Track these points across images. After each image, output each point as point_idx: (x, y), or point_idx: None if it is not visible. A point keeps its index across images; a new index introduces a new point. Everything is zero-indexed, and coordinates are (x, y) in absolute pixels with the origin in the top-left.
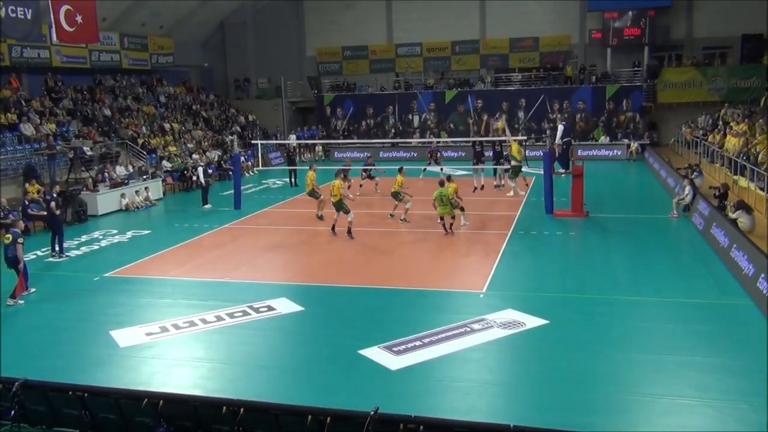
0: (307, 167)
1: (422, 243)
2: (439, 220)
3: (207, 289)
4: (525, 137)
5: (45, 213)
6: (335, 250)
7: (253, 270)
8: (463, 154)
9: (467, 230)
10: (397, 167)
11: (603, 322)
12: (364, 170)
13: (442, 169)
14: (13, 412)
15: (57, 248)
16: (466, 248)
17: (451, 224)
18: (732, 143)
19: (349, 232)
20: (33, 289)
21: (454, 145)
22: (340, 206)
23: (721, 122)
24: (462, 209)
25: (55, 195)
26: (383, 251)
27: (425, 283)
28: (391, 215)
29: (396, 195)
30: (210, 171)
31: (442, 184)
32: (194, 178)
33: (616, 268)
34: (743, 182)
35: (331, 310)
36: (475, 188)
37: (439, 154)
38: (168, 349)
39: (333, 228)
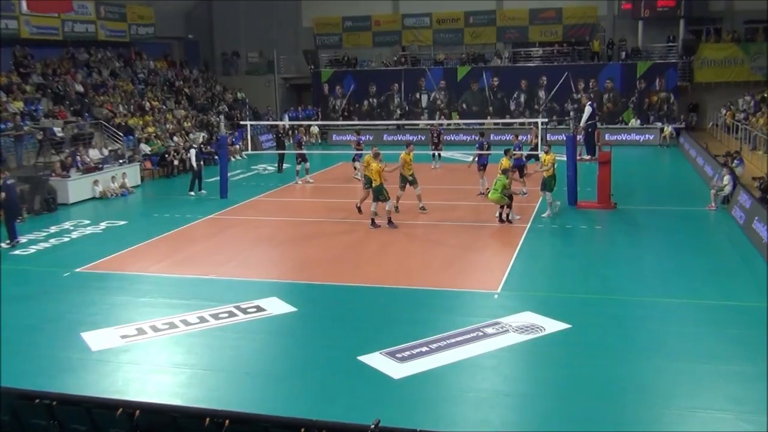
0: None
1: (429, 237)
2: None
3: (189, 287)
4: (546, 119)
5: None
6: (332, 244)
7: (240, 266)
8: (477, 138)
9: (480, 223)
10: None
11: (631, 326)
12: (358, 156)
13: (439, 154)
14: None
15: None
16: (479, 243)
17: (508, 214)
18: None
19: (390, 221)
20: None
21: (467, 128)
22: (380, 192)
23: (764, 104)
24: (510, 199)
25: (10, 182)
26: (386, 246)
27: (433, 282)
28: (422, 208)
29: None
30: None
31: (504, 172)
32: (175, 162)
33: (646, 267)
34: None
35: (327, 311)
36: (481, 193)
37: (440, 137)
38: (145, 353)
39: (373, 221)
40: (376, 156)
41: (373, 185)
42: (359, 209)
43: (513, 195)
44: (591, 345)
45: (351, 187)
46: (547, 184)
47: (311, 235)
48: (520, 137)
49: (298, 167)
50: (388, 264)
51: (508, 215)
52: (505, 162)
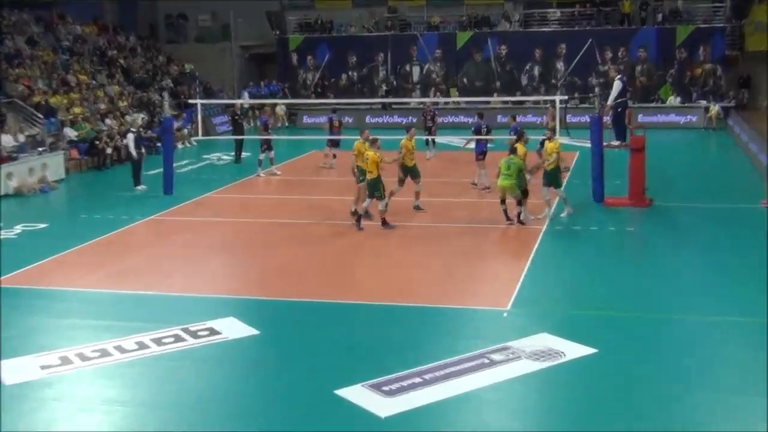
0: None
1: (424, 242)
2: (501, 206)
3: (126, 305)
4: (566, 97)
5: None
6: (305, 251)
7: (189, 279)
8: (474, 120)
9: (486, 224)
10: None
11: (671, 351)
12: (331, 141)
13: (434, 141)
14: None
15: None
16: (484, 249)
17: (520, 212)
18: None
19: (384, 222)
20: None
21: (468, 107)
22: (375, 188)
23: None
24: (524, 195)
25: None
26: (372, 253)
27: (428, 298)
28: (418, 207)
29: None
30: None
31: (513, 151)
32: (108, 150)
33: (688, 278)
34: None
35: (297, 334)
36: (474, 183)
37: (434, 119)
38: (72, 387)
39: (359, 221)
40: (373, 143)
41: (368, 178)
42: (355, 212)
43: (527, 189)
44: (622, 374)
45: (327, 180)
46: (553, 179)
47: (278, 241)
48: (518, 118)
49: (262, 156)
50: (374, 276)
51: (519, 214)
52: (519, 148)
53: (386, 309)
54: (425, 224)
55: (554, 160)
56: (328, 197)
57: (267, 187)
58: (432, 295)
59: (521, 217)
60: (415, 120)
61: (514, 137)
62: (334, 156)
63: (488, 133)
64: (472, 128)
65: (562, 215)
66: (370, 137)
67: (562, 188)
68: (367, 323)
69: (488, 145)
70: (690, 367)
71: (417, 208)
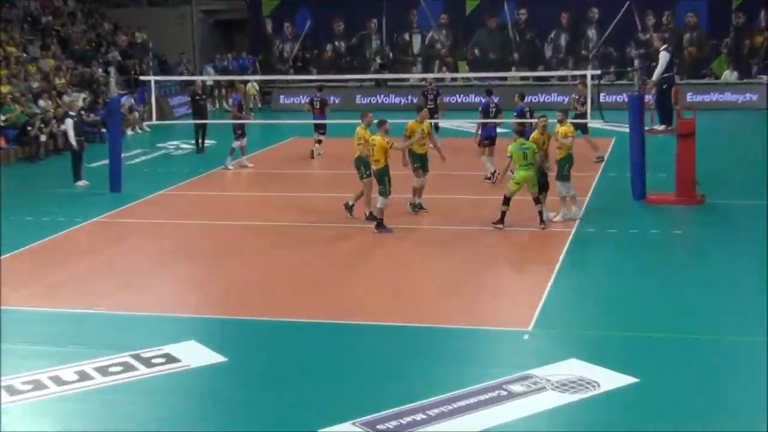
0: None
1: (427, 248)
2: (503, 206)
3: (64, 327)
4: (599, 72)
5: None
6: (282, 261)
7: (141, 295)
8: (482, 99)
9: (503, 227)
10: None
11: (729, 380)
12: (319, 129)
13: (437, 126)
14: None
15: None
16: (500, 257)
17: (541, 212)
18: None
19: (380, 224)
20: None
21: (480, 84)
22: (382, 180)
23: None
24: (544, 188)
25: None
26: (364, 262)
27: (433, 317)
28: (418, 207)
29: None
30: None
31: (521, 133)
32: (43, 138)
33: (746, 292)
34: None
35: (272, 361)
36: (488, 177)
37: (437, 99)
38: None
39: (373, 216)
40: (380, 125)
41: (374, 169)
42: (350, 208)
43: (548, 182)
44: (668, 408)
45: (310, 173)
46: (560, 169)
47: (250, 248)
48: (527, 98)
49: (235, 144)
50: (366, 289)
51: (541, 214)
52: (535, 134)
53: (382, 330)
54: (429, 227)
55: (568, 146)
56: (312, 194)
57: (237, 182)
58: (438, 313)
59: (543, 218)
60: (415, 99)
61: (521, 120)
62: (317, 142)
63: (497, 113)
64: (479, 108)
65: (553, 218)
66: (375, 120)
67: (569, 184)
68: (360, 347)
69: (497, 130)
70: (751, 399)
71: (419, 207)
